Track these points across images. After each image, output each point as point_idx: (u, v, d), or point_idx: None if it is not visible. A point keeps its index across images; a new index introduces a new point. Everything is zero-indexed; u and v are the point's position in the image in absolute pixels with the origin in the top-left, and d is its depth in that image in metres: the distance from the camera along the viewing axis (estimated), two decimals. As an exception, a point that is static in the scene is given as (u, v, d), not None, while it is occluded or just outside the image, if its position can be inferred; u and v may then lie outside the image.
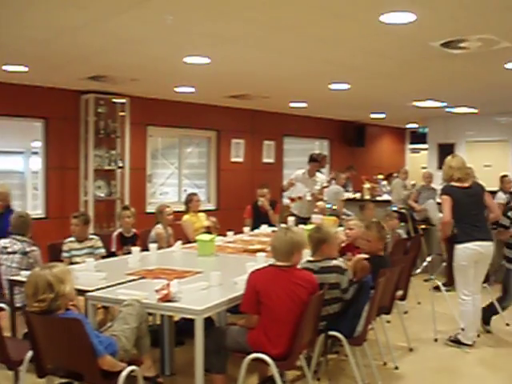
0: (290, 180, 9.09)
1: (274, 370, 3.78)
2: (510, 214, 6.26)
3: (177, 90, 9.44)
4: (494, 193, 8.67)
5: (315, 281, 4.12)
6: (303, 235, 4.26)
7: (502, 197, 8.67)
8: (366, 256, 4.95)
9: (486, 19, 5.28)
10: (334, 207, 9.01)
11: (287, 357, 3.83)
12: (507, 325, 4.92)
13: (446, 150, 14.43)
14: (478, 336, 5.98)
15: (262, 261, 4.91)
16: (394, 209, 8.87)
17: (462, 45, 6.17)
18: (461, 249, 5.66)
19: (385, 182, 10.66)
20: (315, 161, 9.06)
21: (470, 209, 5.70)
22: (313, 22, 5.32)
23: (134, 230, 6.87)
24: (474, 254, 5.64)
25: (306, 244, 4.25)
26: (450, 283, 6.39)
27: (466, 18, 5.25)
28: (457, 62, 7.02)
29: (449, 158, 5.93)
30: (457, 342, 5.82)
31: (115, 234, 6.78)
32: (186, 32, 5.68)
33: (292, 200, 8.73)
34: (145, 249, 6.03)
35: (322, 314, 4.32)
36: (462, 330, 5.79)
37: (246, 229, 7.49)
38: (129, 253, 5.86)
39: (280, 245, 4.00)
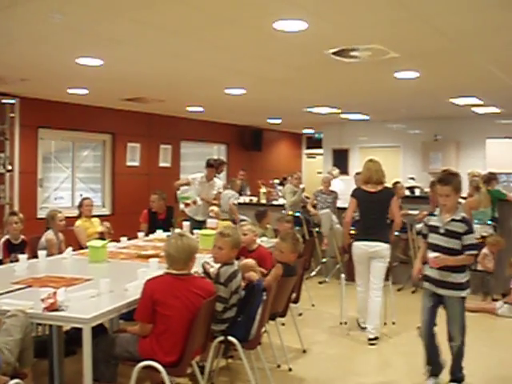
0: (186, 179, 9.09)
1: (164, 377, 3.72)
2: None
3: (70, 91, 9.18)
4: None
5: (213, 289, 4.11)
6: (196, 240, 4.24)
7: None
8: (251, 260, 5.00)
9: (375, 30, 5.47)
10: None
11: (178, 363, 3.79)
12: (418, 327, 5.07)
13: (340, 156, 14.90)
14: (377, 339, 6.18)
15: (154, 267, 4.83)
16: (290, 213, 9.00)
17: (352, 54, 6.36)
18: (354, 246, 6.30)
19: (280, 187, 10.80)
20: (211, 166, 9.07)
21: (370, 212, 6.19)
22: (206, 27, 5.33)
23: (22, 237, 6.59)
24: (362, 252, 6.23)
25: (198, 248, 4.22)
26: (349, 278, 6.79)
27: (356, 29, 5.42)
28: (349, 70, 7.23)
29: (367, 162, 6.37)
30: (358, 324, 6.65)
31: (2, 241, 6.48)
32: (77, 32, 5.54)
33: (187, 205, 8.70)
34: (34, 256, 5.81)
35: (223, 317, 4.32)
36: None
37: (141, 234, 7.37)
38: (16, 260, 5.61)
39: (177, 252, 3.90)
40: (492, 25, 5.25)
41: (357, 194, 6.32)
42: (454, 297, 4.77)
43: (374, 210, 6.18)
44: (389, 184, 8.35)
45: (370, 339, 6.11)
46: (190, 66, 7.19)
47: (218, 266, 4.54)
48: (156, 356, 3.75)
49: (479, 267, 7.96)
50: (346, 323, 6.70)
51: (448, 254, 4.56)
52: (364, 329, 6.35)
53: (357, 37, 5.71)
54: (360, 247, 6.22)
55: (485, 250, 7.97)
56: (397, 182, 9.20)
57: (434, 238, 4.69)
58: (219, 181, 9.52)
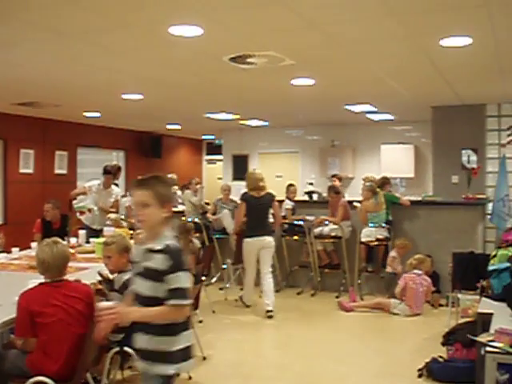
0: (83, 187, 8.84)
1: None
2: None
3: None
4: (282, 201, 9.13)
5: (90, 291, 4.01)
6: (67, 247, 4.14)
7: (289, 203, 9.13)
8: None
9: (270, 37, 5.53)
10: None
11: (71, 377, 3.65)
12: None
13: (240, 162, 14.98)
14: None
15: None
16: (190, 220, 8.94)
17: (249, 60, 6.39)
18: (246, 242, 7.58)
19: (180, 193, 10.71)
20: (109, 173, 8.84)
21: (258, 213, 7.53)
22: (101, 31, 5.21)
23: None
24: (254, 245, 7.53)
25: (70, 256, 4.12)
26: (236, 262, 8.37)
27: (251, 35, 5.46)
28: (246, 76, 7.28)
29: (251, 171, 7.94)
30: (241, 300, 8.00)
31: None
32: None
33: (82, 213, 8.47)
34: None
35: (117, 327, 4.20)
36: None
37: (34, 244, 7.08)
38: None
39: (52, 259, 3.79)
40: (383, 34, 5.42)
41: (246, 198, 7.58)
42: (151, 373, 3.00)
43: (260, 211, 7.57)
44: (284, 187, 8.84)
45: (268, 311, 7.41)
46: (85, 70, 7.00)
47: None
48: (44, 368, 3.60)
49: (389, 269, 8.18)
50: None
51: (148, 305, 2.96)
52: (248, 306, 7.88)
53: (253, 43, 5.75)
54: (252, 242, 7.52)
55: (393, 253, 8.21)
56: (290, 185, 9.35)
57: (134, 281, 3.11)
58: (117, 188, 9.31)
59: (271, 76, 7.39)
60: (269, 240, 7.57)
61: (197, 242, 5.27)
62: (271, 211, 7.72)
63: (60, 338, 3.66)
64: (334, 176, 11.71)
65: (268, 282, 7.57)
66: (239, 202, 7.71)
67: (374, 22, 5.01)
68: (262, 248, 7.52)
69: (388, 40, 5.65)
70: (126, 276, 4.30)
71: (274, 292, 7.67)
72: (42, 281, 3.88)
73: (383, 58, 6.48)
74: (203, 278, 5.98)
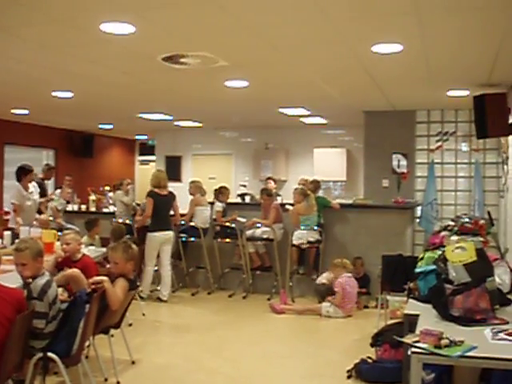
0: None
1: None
2: None
3: None
4: (212, 203, 9.10)
5: (22, 296, 3.86)
6: None
7: (219, 205, 9.08)
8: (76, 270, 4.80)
9: (204, 38, 5.50)
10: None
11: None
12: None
13: (173, 163, 14.87)
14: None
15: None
16: (120, 220, 8.78)
17: (182, 60, 6.33)
18: (151, 235, 8.10)
19: (111, 194, 10.52)
20: (27, 173, 8.47)
21: (162, 209, 8.15)
22: (27, 24, 5.07)
23: None
24: (158, 239, 8.11)
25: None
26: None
27: (184, 35, 5.41)
28: (180, 76, 7.22)
29: (156, 171, 8.64)
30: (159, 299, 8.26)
31: None
32: None
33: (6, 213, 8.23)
34: None
35: (44, 331, 4.07)
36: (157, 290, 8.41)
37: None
38: None
39: None
40: (318, 38, 5.47)
41: (153, 195, 8.13)
42: None
43: (165, 208, 8.22)
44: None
45: (163, 300, 8.19)
46: (13, 65, 6.78)
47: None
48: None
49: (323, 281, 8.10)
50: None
51: None
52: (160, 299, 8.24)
53: (186, 43, 5.70)
54: (157, 236, 8.10)
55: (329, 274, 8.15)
56: (222, 187, 9.31)
57: None
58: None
59: (205, 77, 7.35)
60: (171, 235, 8.32)
61: (135, 248, 5.15)
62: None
63: None
64: (268, 178, 11.76)
65: (168, 274, 8.35)
66: (148, 198, 8.14)
67: (308, 26, 5.04)
68: (164, 242, 8.17)
69: (322, 44, 5.70)
70: (43, 280, 4.15)
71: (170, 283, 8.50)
72: None
73: (317, 61, 6.54)
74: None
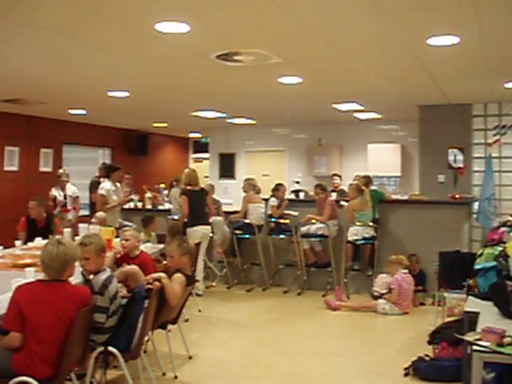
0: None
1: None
2: None
3: None
4: (267, 199, 9.13)
5: (89, 295, 3.94)
6: (76, 247, 4.05)
7: (274, 200, 9.10)
8: (134, 266, 4.88)
9: (258, 35, 5.50)
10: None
11: (55, 376, 3.61)
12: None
13: (227, 160, 14.96)
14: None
15: (30, 276, 4.57)
16: (176, 217, 8.88)
17: (236, 58, 6.36)
18: (191, 230, 8.15)
19: (166, 191, 10.65)
20: (116, 169, 8.82)
21: (197, 205, 8.30)
22: (87, 27, 5.16)
23: None
24: (199, 233, 8.16)
25: (78, 256, 4.04)
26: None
27: (239, 33, 5.43)
28: (233, 74, 7.24)
29: (187, 170, 8.60)
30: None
31: None
32: None
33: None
34: None
35: (105, 326, 4.16)
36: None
37: (18, 242, 7.01)
38: None
39: (50, 259, 3.73)
40: (371, 32, 5.41)
41: (186, 192, 8.32)
42: None
43: (200, 203, 8.38)
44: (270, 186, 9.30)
45: (198, 295, 8.03)
46: (71, 66, 6.94)
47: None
48: (30, 370, 3.55)
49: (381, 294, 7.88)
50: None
51: None
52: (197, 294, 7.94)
53: (240, 41, 5.72)
54: (197, 230, 8.17)
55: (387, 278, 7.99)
56: (279, 184, 9.32)
57: None
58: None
59: (258, 74, 7.36)
60: (209, 229, 8.47)
61: (191, 242, 5.22)
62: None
63: (48, 344, 3.61)
64: (334, 175, 11.71)
65: (201, 267, 8.34)
66: (182, 197, 8.36)
67: (362, 20, 4.99)
68: (203, 236, 8.26)
69: (376, 38, 5.64)
70: (104, 276, 4.24)
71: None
72: (40, 277, 3.84)
73: (371, 56, 6.48)
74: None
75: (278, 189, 9.17)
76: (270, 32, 5.40)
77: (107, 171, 8.56)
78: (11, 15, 4.80)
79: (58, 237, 4.47)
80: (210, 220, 8.63)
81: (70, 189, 10.08)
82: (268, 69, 6.92)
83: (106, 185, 8.54)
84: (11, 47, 5.95)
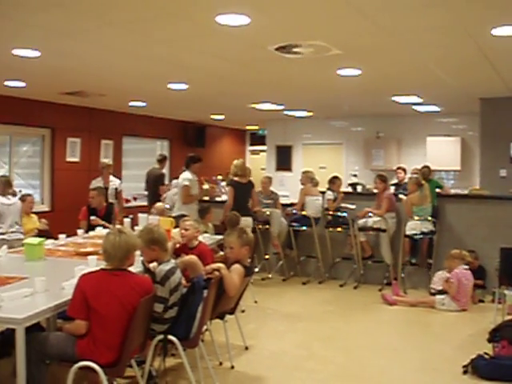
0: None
1: (102, 377, 3.63)
2: None
3: (6, 83, 8.89)
4: (324, 192, 9.10)
5: (150, 285, 4.02)
6: (136, 237, 4.13)
7: (330, 194, 9.06)
8: (193, 256, 4.93)
9: (317, 27, 5.47)
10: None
11: (117, 362, 3.69)
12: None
13: (284, 152, 14.96)
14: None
15: (93, 264, 4.70)
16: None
17: (295, 50, 6.35)
18: None
19: (224, 183, 10.73)
20: (197, 161, 8.53)
21: (241, 197, 8.32)
22: (145, 19, 5.23)
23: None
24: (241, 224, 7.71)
25: (138, 245, 4.12)
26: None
27: (298, 25, 5.41)
28: (292, 66, 7.23)
29: (236, 161, 8.61)
30: None
31: None
32: (14, 22, 5.32)
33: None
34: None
35: (165, 316, 4.24)
36: None
37: (80, 231, 7.19)
38: None
39: (113, 249, 3.82)
40: (432, 23, 5.31)
41: (233, 183, 8.42)
42: None
43: (244, 195, 8.39)
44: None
45: None
46: (131, 59, 7.05)
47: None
48: (94, 356, 3.64)
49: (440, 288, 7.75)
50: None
51: None
52: None
53: (299, 33, 5.70)
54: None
55: (444, 273, 7.78)
56: (335, 177, 9.27)
57: None
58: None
59: (317, 66, 7.33)
60: (250, 221, 8.22)
61: (250, 234, 5.24)
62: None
63: (111, 331, 3.70)
64: (398, 168, 11.58)
65: None
66: (228, 187, 8.54)
67: (423, 10, 4.90)
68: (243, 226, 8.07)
69: (438, 29, 5.54)
70: (167, 267, 4.31)
71: None
72: (102, 266, 3.94)
73: (433, 47, 6.36)
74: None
75: (333, 182, 9.13)
76: (330, 23, 5.37)
77: (188, 162, 8.41)
78: (76, 9, 4.91)
79: (118, 226, 4.57)
80: (268, 212, 8.63)
81: (114, 181, 9.71)
82: (327, 61, 6.88)
83: (187, 175, 8.22)
84: (74, 41, 6.08)
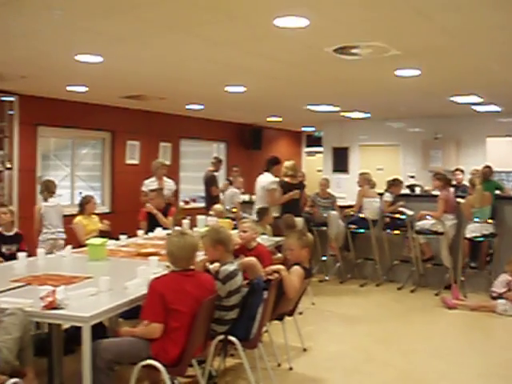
0: None
1: (165, 376, 3.69)
2: None
3: (69, 88, 9.13)
4: (381, 194, 9.01)
5: (214, 283, 4.11)
6: (197, 237, 4.21)
7: (388, 196, 8.99)
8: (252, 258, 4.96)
9: (376, 27, 5.43)
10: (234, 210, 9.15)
11: (179, 362, 3.76)
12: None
13: (340, 154, 14.87)
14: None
15: (154, 264, 4.80)
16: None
17: (354, 51, 6.31)
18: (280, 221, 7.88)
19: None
20: (278, 163, 8.58)
21: (293, 197, 8.15)
22: (205, 23, 5.28)
23: (16, 230, 6.60)
24: None
25: (199, 245, 4.19)
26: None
27: (358, 26, 5.38)
28: (350, 67, 7.19)
29: (287, 162, 8.55)
30: None
31: None
32: (77, 29, 5.48)
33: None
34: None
35: (225, 318, 4.30)
36: None
37: (140, 232, 7.33)
38: (11, 254, 5.93)
39: (179, 250, 3.90)
40: (493, 23, 5.20)
41: (282, 184, 8.24)
42: None
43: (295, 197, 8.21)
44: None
45: None
46: (190, 63, 7.15)
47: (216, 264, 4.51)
48: (166, 354, 3.72)
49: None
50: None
51: None
52: None
53: (358, 34, 5.67)
54: None
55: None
56: (396, 179, 9.17)
57: None
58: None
59: (375, 67, 7.27)
60: (300, 221, 8.13)
61: (310, 236, 5.25)
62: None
63: (188, 327, 3.78)
64: (456, 170, 11.38)
65: None
66: (276, 187, 8.17)
67: (485, 9, 4.80)
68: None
69: (500, 28, 5.41)
70: (232, 267, 4.37)
71: None
72: (168, 267, 4.02)
73: (493, 46, 6.21)
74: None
75: (395, 184, 9.03)
76: (389, 24, 5.32)
77: (268, 164, 8.44)
78: (138, 15, 5.02)
79: (178, 228, 4.65)
80: (325, 214, 8.61)
81: (169, 182, 9.47)
82: (385, 61, 6.81)
83: (271, 178, 8.24)
84: (135, 45, 6.21)
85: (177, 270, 3.93)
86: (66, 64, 7.14)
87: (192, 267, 3.98)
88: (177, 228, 7.02)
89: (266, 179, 8.23)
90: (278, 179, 8.20)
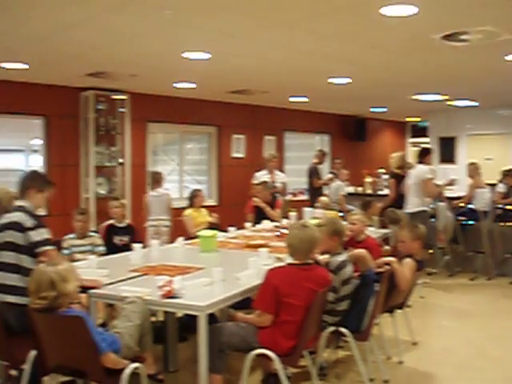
0: None
1: (278, 366, 3.75)
2: None
3: (176, 85, 9.40)
4: (493, 185, 8.71)
5: (329, 277, 4.13)
6: (318, 230, 4.20)
7: (502, 187, 8.69)
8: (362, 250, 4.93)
9: (487, 11, 5.24)
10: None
11: (292, 353, 3.81)
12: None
13: (447, 144, 14.44)
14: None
15: (264, 256, 4.89)
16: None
17: (463, 37, 6.13)
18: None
19: (386, 176, 10.61)
20: (428, 153, 8.68)
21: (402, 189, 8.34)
22: (312, 16, 5.29)
23: (127, 221, 6.90)
24: None
25: (320, 238, 4.18)
26: None
27: (467, 11, 5.21)
28: (458, 54, 6.99)
29: (397, 154, 8.95)
30: None
31: (104, 225, 6.82)
32: (186, 27, 5.64)
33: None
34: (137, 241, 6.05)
35: (337, 309, 4.33)
36: None
37: (248, 224, 7.45)
38: (125, 245, 6.18)
39: (299, 243, 3.92)
40: None
41: (395, 176, 8.59)
42: None
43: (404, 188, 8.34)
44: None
45: None
46: (294, 55, 7.17)
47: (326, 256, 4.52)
48: (273, 345, 3.78)
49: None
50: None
51: None
52: None
53: (469, 19, 5.49)
54: None
55: None
56: (510, 170, 8.85)
57: None
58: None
59: (484, 53, 7.01)
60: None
61: (422, 227, 5.18)
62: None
63: (301, 320, 3.83)
64: None
65: None
66: (391, 180, 8.68)
67: None
68: None
69: None
70: (341, 258, 4.39)
71: None
72: (290, 261, 4.07)
73: None
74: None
75: (510, 174, 8.70)
76: (502, 7, 5.12)
77: (421, 154, 8.49)
78: (241, 11, 5.09)
79: (301, 221, 4.72)
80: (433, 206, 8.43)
81: (279, 175, 9.69)
82: (495, 47, 6.56)
83: (425, 168, 8.32)
84: (241, 41, 6.30)
85: (295, 262, 3.97)
86: (174, 62, 7.37)
87: (310, 261, 3.99)
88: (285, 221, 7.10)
89: (420, 170, 8.26)
90: (433, 168, 8.39)
